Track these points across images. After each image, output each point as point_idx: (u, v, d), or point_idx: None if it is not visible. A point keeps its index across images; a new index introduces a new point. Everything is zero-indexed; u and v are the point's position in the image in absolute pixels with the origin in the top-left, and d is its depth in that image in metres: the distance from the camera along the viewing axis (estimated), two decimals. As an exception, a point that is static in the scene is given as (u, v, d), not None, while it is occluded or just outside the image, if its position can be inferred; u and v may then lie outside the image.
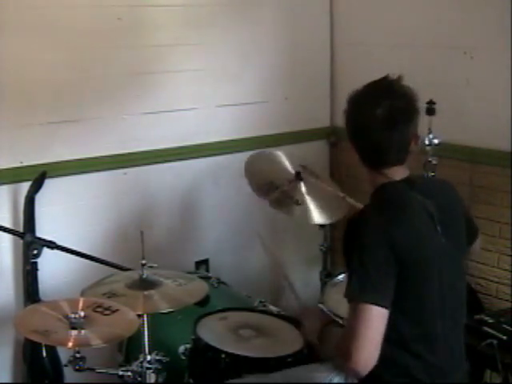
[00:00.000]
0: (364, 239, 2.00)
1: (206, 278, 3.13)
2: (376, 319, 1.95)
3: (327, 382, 2.23)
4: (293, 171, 3.21)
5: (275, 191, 3.10)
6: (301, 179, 3.17)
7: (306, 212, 3.10)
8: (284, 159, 3.32)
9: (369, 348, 1.94)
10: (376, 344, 1.95)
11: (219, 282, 3.27)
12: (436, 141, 2.96)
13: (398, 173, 2.11)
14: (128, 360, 2.82)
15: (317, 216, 3.11)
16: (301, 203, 3.08)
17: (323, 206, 3.14)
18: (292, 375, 2.34)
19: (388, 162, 2.10)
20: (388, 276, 1.97)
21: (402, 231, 2.01)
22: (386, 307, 1.95)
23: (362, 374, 1.97)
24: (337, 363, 2.21)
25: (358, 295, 1.97)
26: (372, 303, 1.94)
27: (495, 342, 2.70)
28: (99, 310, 2.31)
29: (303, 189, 3.15)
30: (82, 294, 2.48)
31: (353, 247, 2.02)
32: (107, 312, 2.31)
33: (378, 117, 2.03)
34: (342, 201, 3.15)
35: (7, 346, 3.21)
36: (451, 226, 2.12)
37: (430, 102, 2.92)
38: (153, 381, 2.53)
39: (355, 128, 2.13)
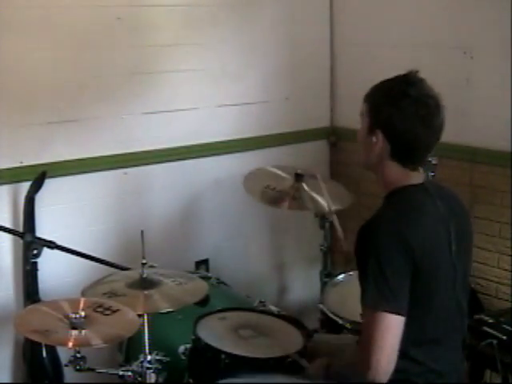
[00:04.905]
0: (381, 245, 1.98)
1: (206, 278, 3.13)
2: (394, 327, 1.95)
3: None
4: (290, 177, 3.26)
5: (284, 199, 3.18)
6: (301, 180, 3.22)
7: (318, 204, 3.14)
8: (277, 171, 3.37)
9: (389, 356, 1.95)
10: (395, 351, 1.96)
11: (219, 281, 3.27)
12: (436, 141, 2.95)
13: (417, 176, 2.12)
14: (128, 360, 2.82)
15: (331, 204, 3.13)
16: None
17: (331, 196, 3.17)
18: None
19: (419, 161, 2.11)
20: (405, 282, 1.97)
21: (417, 238, 1.99)
22: (404, 315, 1.96)
23: (383, 382, 1.97)
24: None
25: (377, 303, 1.95)
26: (391, 312, 1.94)
27: (495, 341, 2.70)
28: (100, 309, 2.31)
29: (306, 187, 3.20)
30: (83, 293, 2.47)
31: (369, 253, 1.99)
32: (108, 312, 2.31)
33: (423, 116, 2.03)
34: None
35: (7, 346, 3.21)
36: (461, 238, 2.12)
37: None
38: (153, 381, 2.52)
39: (396, 126, 2.06)
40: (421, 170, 2.14)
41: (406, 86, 2.05)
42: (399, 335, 1.96)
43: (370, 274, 1.97)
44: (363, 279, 2.01)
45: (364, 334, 2.00)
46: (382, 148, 2.08)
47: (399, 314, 1.95)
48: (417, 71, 2.09)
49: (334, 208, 3.05)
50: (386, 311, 1.94)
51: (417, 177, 2.12)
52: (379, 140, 2.08)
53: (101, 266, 2.85)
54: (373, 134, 2.09)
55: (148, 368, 2.51)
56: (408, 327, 1.99)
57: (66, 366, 2.37)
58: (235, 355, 2.43)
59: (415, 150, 2.09)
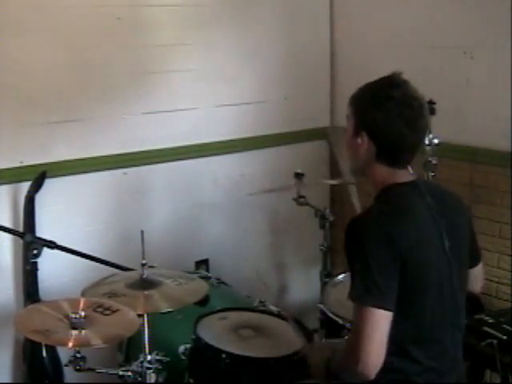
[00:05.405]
0: (367, 241, 1.99)
1: (206, 278, 3.13)
2: (382, 322, 1.96)
3: None
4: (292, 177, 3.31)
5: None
6: (302, 178, 3.26)
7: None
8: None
9: (377, 350, 1.95)
10: (383, 345, 1.96)
11: (219, 281, 3.27)
12: (436, 141, 2.95)
13: (407, 174, 2.12)
14: (128, 360, 2.82)
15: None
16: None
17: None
18: None
19: (406, 162, 2.11)
20: (392, 277, 1.97)
21: (404, 233, 2.00)
22: (391, 310, 1.96)
23: (371, 377, 1.97)
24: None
25: (363, 299, 1.97)
26: (378, 307, 1.95)
27: (495, 341, 2.69)
28: (100, 309, 2.31)
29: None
30: (83, 293, 2.47)
31: (356, 249, 2.02)
32: (108, 312, 2.30)
33: (407, 117, 2.04)
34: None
35: (7, 346, 3.21)
36: (454, 235, 2.11)
37: (430, 102, 2.89)
38: (153, 381, 2.52)
39: (381, 127, 2.07)
40: (409, 168, 2.14)
41: (389, 89, 2.06)
42: (387, 330, 1.96)
43: (357, 269, 2.00)
44: (351, 274, 2.04)
45: (353, 327, 2.03)
46: (367, 149, 2.10)
47: (386, 309, 1.96)
48: (400, 73, 2.10)
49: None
50: (372, 306, 1.95)
51: (406, 175, 2.13)
52: (365, 142, 2.09)
53: (101, 266, 2.85)
54: (358, 135, 2.11)
55: (148, 368, 2.51)
56: (405, 326, 2.00)
57: (66, 366, 2.37)
58: (235, 355, 2.44)
59: (400, 151, 2.10)
